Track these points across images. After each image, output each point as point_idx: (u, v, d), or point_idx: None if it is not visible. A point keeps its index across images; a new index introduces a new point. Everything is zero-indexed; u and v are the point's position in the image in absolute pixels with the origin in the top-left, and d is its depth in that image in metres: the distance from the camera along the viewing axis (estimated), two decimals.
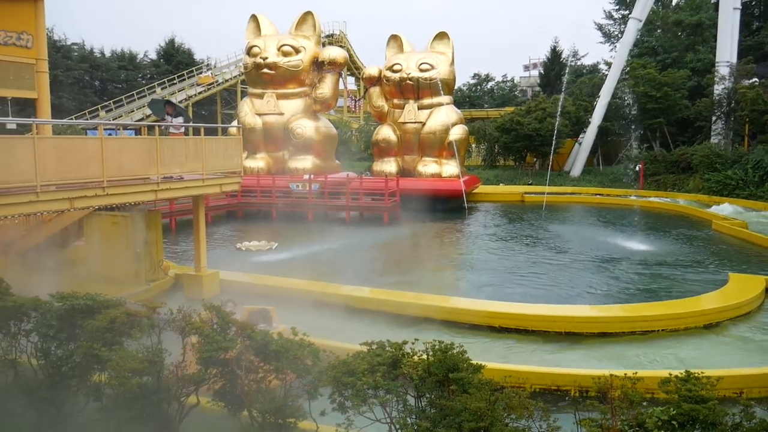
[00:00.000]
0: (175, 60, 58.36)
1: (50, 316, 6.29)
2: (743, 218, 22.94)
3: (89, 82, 52.05)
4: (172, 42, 61.07)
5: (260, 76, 28.36)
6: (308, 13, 29.20)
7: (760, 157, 28.11)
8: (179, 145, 12.12)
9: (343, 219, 24.88)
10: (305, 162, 28.02)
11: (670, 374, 4.70)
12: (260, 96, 28.77)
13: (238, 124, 27.66)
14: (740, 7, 37.06)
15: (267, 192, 25.77)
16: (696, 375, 4.58)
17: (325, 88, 29.01)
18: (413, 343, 5.46)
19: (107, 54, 55.91)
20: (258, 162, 28.34)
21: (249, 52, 28.88)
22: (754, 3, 50.78)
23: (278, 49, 28.11)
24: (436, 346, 5.12)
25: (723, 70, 34.45)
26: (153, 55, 60.63)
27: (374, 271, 16.00)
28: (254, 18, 29.80)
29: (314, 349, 5.48)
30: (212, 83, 50.46)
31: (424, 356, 5.09)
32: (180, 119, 13.56)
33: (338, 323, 11.31)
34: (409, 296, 12.32)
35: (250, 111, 28.70)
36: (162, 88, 48.64)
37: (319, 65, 28.91)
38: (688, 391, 4.33)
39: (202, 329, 5.65)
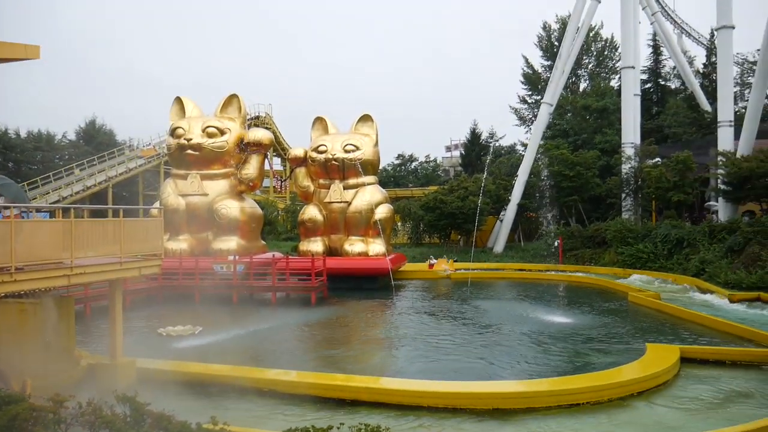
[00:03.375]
0: (96, 141, 57.35)
1: None
2: (655, 289, 24.10)
3: (2, 163, 50.15)
4: (93, 123, 60.16)
5: (184, 157, 28.08)
6: (233, 96, 29.47)
7: (667, 231, 29.84)
8: (96, 227, 11.72)
9: (269, 300, 24.39)
10: (230, 243, 27.53)
11: None
12: (184, 177, 28.34)
13: (161, 205, 27.10)
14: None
15: (190, 274, 25.03)
16: None
17: (251, 169, 29.02)
18: (339, 428, 5.32)
19: (23, 135, 54.25)
20: (181, 243, 27.59)
21: (173, 133, 28.68)
22: (652, 90, 55.56)
23: (203, 131, 28.06)
24: (362, 430, 5.01)
25: (629, 150, 36.96)
26: (72, 136, 59.39)
27: (302, 353, 15.65)
28: (178, 100, 29.79)
29: None
30: (156, 155, 50.62)
31: None
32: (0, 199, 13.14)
33: (264, 409, 10.88)
34: (338, 378, 12.05)
35: (173, 192, 28.16)
36: (81, 169, 47.47)
37: (244, 146, 28.98)
38: None
39: (113, 423, 5.32)
